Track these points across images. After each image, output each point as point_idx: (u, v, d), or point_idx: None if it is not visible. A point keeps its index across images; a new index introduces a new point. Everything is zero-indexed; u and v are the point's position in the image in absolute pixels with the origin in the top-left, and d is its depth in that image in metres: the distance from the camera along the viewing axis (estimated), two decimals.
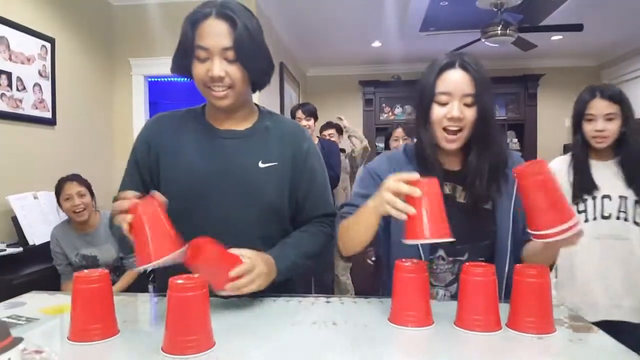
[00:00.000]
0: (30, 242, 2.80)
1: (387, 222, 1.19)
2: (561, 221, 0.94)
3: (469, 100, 1.14)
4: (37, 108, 3.19)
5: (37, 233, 2.84)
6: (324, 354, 0.88)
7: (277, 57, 4.95)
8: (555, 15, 4.42)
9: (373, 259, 3.25)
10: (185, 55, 1.17)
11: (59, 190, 2.64)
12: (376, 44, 5.89)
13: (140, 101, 4.16)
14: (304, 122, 3.51)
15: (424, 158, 1.21)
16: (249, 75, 1.17)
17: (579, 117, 1.76)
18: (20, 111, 3.04)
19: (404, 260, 1.02)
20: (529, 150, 6.36)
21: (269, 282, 1.10)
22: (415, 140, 1.26)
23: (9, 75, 2.94)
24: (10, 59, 2.96)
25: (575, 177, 1.77)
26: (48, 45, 3.30)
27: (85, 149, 3.70)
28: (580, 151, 1.77)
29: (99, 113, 3.96)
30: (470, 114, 1.15)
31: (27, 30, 3.10)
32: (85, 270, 0.98)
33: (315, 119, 3.64)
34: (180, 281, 0.87)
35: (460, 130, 1.16)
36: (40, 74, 3.23)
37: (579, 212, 1.74)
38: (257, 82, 1.23)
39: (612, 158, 1.76)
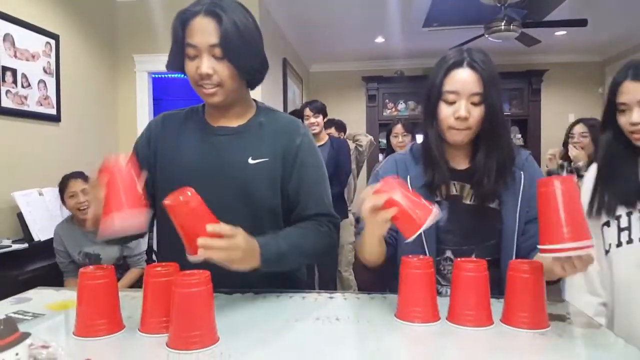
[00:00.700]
0: (36, 238, 2.82)
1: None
2: (577, 238, 0.87)
3: (476, 99, 1.14)
4: (41, 105, 3.21)
5: (43, 229, 2.86)
6: (328, 349, 0.89)
7: (280, 53, 4.89)
8: (559, 11, 4.40)
9: None
10: (178, 53, 1.17)
11: (62, 187, 2.67)
12: (379, 39, 5.87)
13: (144, 97, 4.17)
14: (312, 120, 3.50)
15: (430, 157, 1.22)
16: (238, 72, 1.16)
17: (611, 106, 1.24)
18: (25, 108, 3.05)
19: (410, 256, 1.03)
20: (532, 146, 6.32)
21: (245, 265, 1.02)
22: (415, 136, 1.26)
23: (13, 72, 2.95)
24: (15, 55, 2.97)
25: (610, 186, 1.27)
26: (52, 42, 3.31)
27: (90, 145, 3.71)
28: (616, 151, 1.26)
29: (103, 109, 3.98)
30: (477, 113, 1.14)
31: (32, 27, 3.12)
32: (91, 267, 0.99)
33: (324, 116, 3.62)
34: (184, 277, 0.87)
35: (467, 129, 1.16)
36: (45, 71, 3.24)
37: (621, 229, 1.24)
38: (248, 79, 1.22)
39: None
